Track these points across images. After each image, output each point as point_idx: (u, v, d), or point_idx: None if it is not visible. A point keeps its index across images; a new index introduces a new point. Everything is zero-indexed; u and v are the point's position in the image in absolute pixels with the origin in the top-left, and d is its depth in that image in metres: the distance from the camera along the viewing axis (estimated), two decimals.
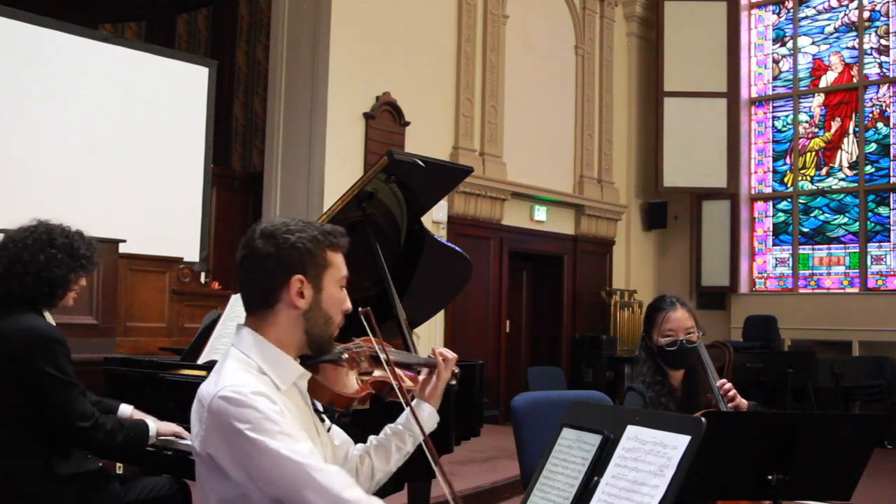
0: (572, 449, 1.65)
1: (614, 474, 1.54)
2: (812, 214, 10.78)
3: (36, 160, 6.76)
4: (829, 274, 10.57)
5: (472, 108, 8.84)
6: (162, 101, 7.61)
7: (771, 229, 11.08)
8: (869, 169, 10.35)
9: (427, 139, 8.13)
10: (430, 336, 7.70)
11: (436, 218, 8.25)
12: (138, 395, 2.97)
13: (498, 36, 9.14)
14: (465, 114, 8.75)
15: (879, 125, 10.37)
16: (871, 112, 10.41)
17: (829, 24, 10.85)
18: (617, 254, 10.89)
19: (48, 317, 2.72)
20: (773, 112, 11.19)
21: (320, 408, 1.93)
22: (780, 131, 11.11)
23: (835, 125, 10.70)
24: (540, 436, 2.71)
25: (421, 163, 2.96)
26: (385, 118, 7.94)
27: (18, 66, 6.75)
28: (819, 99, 10.87)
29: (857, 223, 10.35)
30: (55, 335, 2.57)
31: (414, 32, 8.28)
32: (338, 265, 1.80)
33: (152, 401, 2.95)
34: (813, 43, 10.96)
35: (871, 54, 10.47)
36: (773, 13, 11.29)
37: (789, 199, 10.94)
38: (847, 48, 10.66)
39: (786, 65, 11.15)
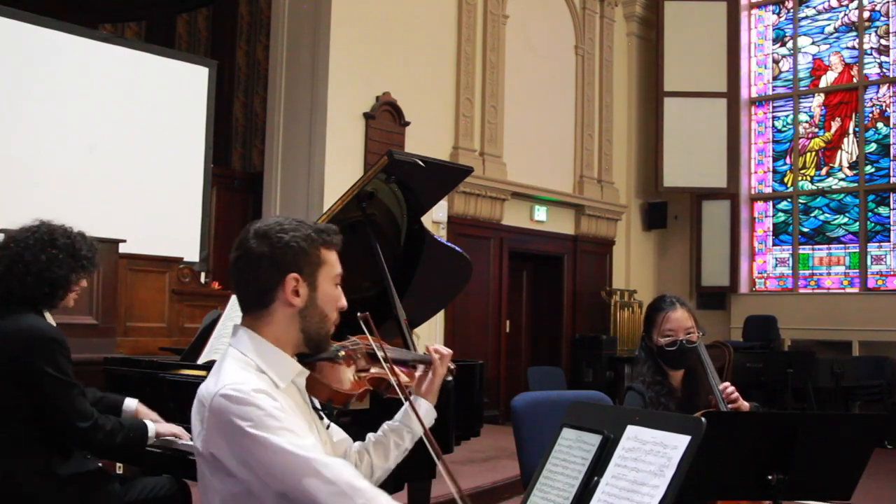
0: (572, 449, 1.65)
1: (614, 474, 1.54)
2: (812, 214, 10.78)
3: (36, 160, 6.76)
4: (829, 274, 10.58)
5: (472, 108, 8.84)
6: (162, 101, 7.61)
7: (771, 229, 11.08)
8: (869, 169, 10.35)
9: (427, 139, 8.13)
10: (430, 336, 7.70)
11: (436, 218, 8.25)
12: (138, 395, 2.97)
13: (498, 36, 9.15)
14: (465, 114, 8.75)
15: (879, 125, 10.37)
16: (871, 112, 10.41)
17: (829, 24, 10.85)
18: (617, 254, 10.89)
19: (48, 317, 2.72)
20: (773, 112, 11.20)
21: (318, 405, 1.94)
22: (780, 131, 11.11)
23: (835, 125, 10.70)
24: (540, 436, 2.72)
25: (421, 163, 2.96)
26: (385, 118, 7.94)
27: (18, 66, 6.75)
28: (819, 99, 10.87)
29: (857, 223, 10.35)
30: (55, 335, 2.57)
31: (414, 32, 8.28)
32: (332, 263, 1.81)
33: (152, 401, 2.95)
34: (813, 43, 10.96)
35: (871, 54, 10.47)
36: (773, 13, 11.29)
37: (789, 199, 10.95)
38: (847, 48, 10.66)
39: (786, 65, 11.15)
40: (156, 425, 2.74)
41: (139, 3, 9.96)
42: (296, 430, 1.63)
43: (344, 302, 1.84)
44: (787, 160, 11.01)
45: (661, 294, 2.91)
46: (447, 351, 2.08)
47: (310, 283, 1.76)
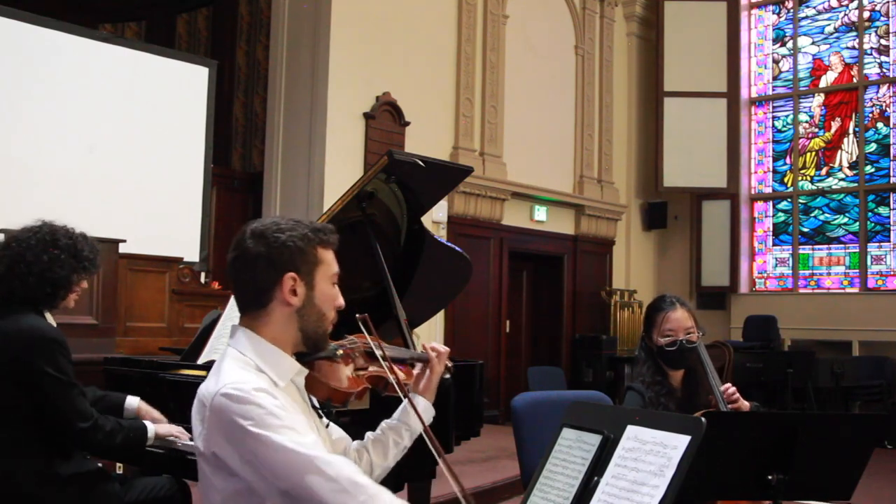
0: (572, 449, 1.65)
1: (614, 474, 1.54)
2: (812, 214, 10.78)
3: (36, 160, 6.76)
4: (829, 274, 10.58)
5: (472, 108, 8.84)
6: (162, 101, 7.61)
7: (771, 229, 11.08)
8: (869, 169, 10.35)
9: (427, 139, 8.13)
10: (430, 336, 7.70)
11: (436, 218, 8.25)
12: (138, 396, 2.97)
13: (498, 36, 9.15)
14: (465, 114, 8.75)
15: (879, 125, 10.37)
16: (871, 112, 10.41)
17: (829, 24, 10.85)
18: (617, 254, 10.89)
19: (49, 317, 2.72)
20: (773, 112, 11.19)
21: (317, 404, 1.94)
22: (780, 131, 11.11)
23: (835, 125, 10.70)
24: (540, 436, 2.72)
25: (421, 163, 2.96)
26: (385, 118, 7.94)
27: (18, 66, 6.75)
28: (819, 99, 10.87)
29: (857, 223, 10.35)
30: (55, 336, 2.57)
31: (414, 32, 8.28)
32: (329, 262, 1.82)
33: (152, 401, 2.95)
34: (813, 43, 10.96)
35: (871, 54, 10.47)
36: (773, 13, 11.29)
37: (789, 199, 10.95)
38: (847, 48, 10.66)
39: (786, 65, 11.15)
40: (155, 426, 2.74)
41: (139, 3, 9.96)
42: (297, 428, 1.63)
43: (341, 301, 1.84)
44: (787, 160, 11.01)
45: (661, 294, 2.92)
46: (444, 349, 2.09)
47: (307, 282, 1.77)
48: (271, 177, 7.89)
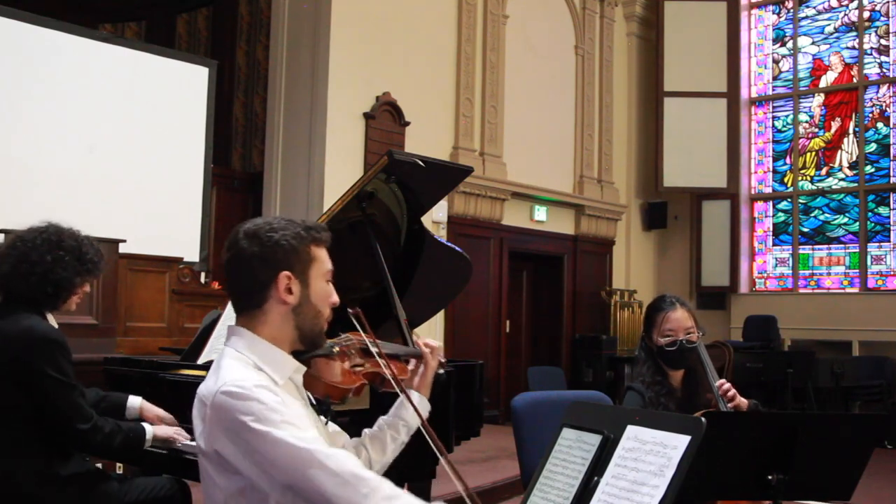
0: (572, 449, 1.65)
1: (614, 474, 1.54)
2: (812, 214, 10.78)
3: (36, 160, 6.76)
4: (829, 274, 10.57)
5: (472, 108, 8.84)
6: (162, 101, 7.61)
7: (771, 229, 11.08)
8: (869, 169, 10.35)
9: (427, 139, 8.13)
10: (429, 336, 7.67)
11: (436, 218, 8.25)
12: (139, 395, 2.97)
13: (498, 36, 9.14)
14: (465, 114, 8.75)
15: (879, 125, 10.37)
16: (871, 112, 10.41)
17: (829, 24, 10.84)
18: (617, 254, 10.89)
19: (50, 318, 2.72)
20: (773, 112, 11.19)
21: (314, 402, 1.95)
22: (780, 131, 11.11)
23: (835, 125, 10.70)
24: (540, 436, 2.72)
25: (421, 163, 2.96)
26: (385, 118, 7.94)
27: (18, 66, 6.75)
28: (819, 99, 10.87)
29: (857, 223, 10.35)
30: (56, 336, 2.57)
31: (414, 32, 8.28)
32: (322, 259, 1.83)
33: (152, 401, 2.95)
34: (813, 43, 10.96)
35: (871, 54, 10.47)
36: (773, 13, 11.29)
37: (789, 199, 10.95)
38: (847, 48, 10.66)
39: (786, 65, 11.15)
40: (154, 428, 2.74)
41: (139, 3, 9.96)
42: (298, 424, 1.64)
43: (336, 298, 1.86)
44: (787, 160, 11.01)
45: (661, 294, 2.92)
46: (437, 343, 2.12)
47: (302, 280, 1.78)
48: (271, 177, 7.89)
